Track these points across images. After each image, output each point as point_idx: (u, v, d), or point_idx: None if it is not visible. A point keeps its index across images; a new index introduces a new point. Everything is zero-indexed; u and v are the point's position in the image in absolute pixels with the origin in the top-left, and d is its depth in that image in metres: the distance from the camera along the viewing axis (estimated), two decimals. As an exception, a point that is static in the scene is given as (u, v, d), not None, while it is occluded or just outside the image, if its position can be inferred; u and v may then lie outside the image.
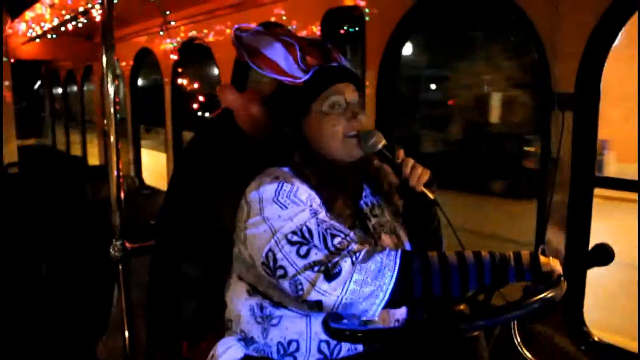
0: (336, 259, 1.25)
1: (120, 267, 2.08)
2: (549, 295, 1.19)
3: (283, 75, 1.45)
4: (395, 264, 1.25)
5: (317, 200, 1.40)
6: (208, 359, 1.51)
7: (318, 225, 1.32)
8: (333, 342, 1.42)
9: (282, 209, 1.34)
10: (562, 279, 1.25)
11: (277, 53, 1.45)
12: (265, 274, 1.35)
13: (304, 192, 1.39)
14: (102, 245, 2.23)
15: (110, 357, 2.15)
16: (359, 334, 1.21)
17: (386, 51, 2.94)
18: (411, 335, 1.19)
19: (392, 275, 1.24)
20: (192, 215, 1.68)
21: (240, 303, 1.49)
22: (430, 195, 1.45)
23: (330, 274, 1.24)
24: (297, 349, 1.42)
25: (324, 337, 1.39)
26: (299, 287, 1.26)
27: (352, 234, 1.35)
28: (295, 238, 1.30)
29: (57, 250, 4.27)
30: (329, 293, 1.23)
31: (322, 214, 1.36)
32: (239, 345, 1.48)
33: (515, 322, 1.79)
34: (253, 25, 1.52)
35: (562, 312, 2.12)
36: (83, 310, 3.42)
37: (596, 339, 2.11)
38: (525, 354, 2.05)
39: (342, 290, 1.23)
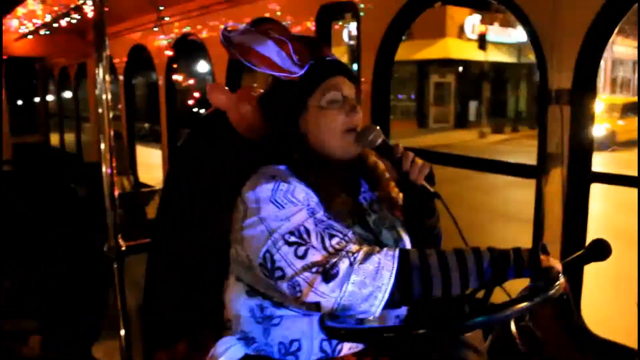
0: (334, 260, 1.23)
1: (115, 265, 2.06)
2: (550, 292, 1.19)
3: (278, 70, 1.44)
4: (393, 264, 1.24)
5: (315, 199, 1.38)
6: (207, 359, 1.50)
7: (316, 225, 1.30)
8: (335, 340, 1.40)
9: (279, 209, 1.32)
10: (561, 275, 1.24)
11: (269, 49, 1.44)
12: (262, 276, 1.33)
13: (301, 191, 1.37)
14: (97, 244, 2.20)
15: (106, 356, 2.14)
16: (355, 333, 1.20)
17: (381, 47, 2.93)
18: (408, 334, 1.18)
19: (391, 276, 1.22)
20: (187, 214, 1.66)
21: (239, 304, 1.46)
22: (431, 189, 1.45)
23: (329, 275, 1.22)
24: (299, 349, 1.41)
25: None
26: (297, 288, 1.25)
27: (350, 233, 1.34)
28: (292, 238, 1.28)
29: (52, 249, 4.23)
30: (327, 295, 1.22)
31: (320, 214, 1.34)
32: (239, 344, 1.46)
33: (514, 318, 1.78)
34: (241, 25, 1.50)
35: (559, 308, 2.11)
36: (79, 309, 3.40)
37: (593, 334, 2.11)
38: (522, 349, 2.04)
39: (340, 291, 1.21)
